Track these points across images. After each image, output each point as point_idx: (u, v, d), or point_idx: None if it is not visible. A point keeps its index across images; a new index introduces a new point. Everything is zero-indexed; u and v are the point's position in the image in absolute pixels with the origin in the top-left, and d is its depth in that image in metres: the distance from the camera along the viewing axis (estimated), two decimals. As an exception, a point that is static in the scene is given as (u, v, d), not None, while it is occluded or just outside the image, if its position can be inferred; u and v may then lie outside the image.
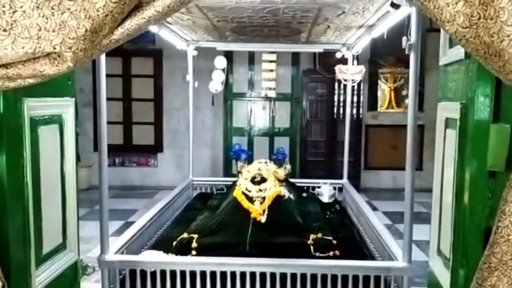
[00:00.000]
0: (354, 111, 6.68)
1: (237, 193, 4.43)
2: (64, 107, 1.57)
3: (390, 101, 9.06)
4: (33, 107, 1.37)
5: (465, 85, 1.35)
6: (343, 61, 6.38)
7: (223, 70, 6.60)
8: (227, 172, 8.84)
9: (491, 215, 1.17)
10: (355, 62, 6.46)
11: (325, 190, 6.25)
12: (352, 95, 6.47)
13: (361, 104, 7.28)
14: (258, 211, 4.19)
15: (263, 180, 4.56)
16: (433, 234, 1.61)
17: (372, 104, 9.00)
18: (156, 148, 8.98)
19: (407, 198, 3.32)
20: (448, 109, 1.48)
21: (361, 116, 7.78)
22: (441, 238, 1.52)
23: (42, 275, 1.41)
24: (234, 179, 5.83)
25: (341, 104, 6.77)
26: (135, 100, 8.94)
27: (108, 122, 3.68)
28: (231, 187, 5.24)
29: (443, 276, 1.45)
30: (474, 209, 1.25)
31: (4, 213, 1.22)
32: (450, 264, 1.38)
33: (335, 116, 7.10)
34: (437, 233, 1.57)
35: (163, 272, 3.45)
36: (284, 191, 4.58)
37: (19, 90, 1.31)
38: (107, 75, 3.46)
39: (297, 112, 9.07)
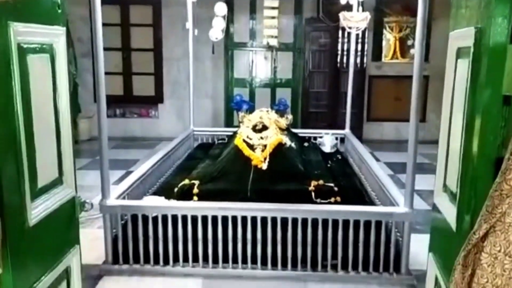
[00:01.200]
0: (358, 60, 6.52)
1: (238, 141, 4.38)
2: (55, 36, 1.48)
3: (394, 51, 8.84)
4: (21, 32, 1.29)
5: (481, 8, 1.26)
6: (348, 8, 6.17)
7: (223, 17, 6.38)
8: (229, 123, 8.75)
9: (503, 145, 1.11)
10: (360, 9, 6.26)
11: (327, 140, 6.20)
12: (356, 44, 6.29)
13: (365, 54, 7.10)
14: (259, 159, 4.15)
15: (265, 128, 4.50)
16: (439, 170, 1.57)
17: (377, 54, 8.79)
18: (157, 99, 8.86)
19: (410, 143, 3.29)
20: (461, 37, 1.40)
21: (365, 66, 7.62)
22: (448, 173, 1.48)
23: (38, 208, 1.38)
24: (235, 129, 5.78)
25: (345, 53, 6.60)
26: (134, 50, 8.73)
27: (107, 73, 3.60)
28: (232, 136, 5.19)
29: (449, 211, 1.41)
30: (486, 139, 1.19)
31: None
32: (457, 197, 1.34)
33: (338, 65, 6.93)
34: (444, 168, 1.52)
35: (164, 217, 3.46)
36: (286, 139, 4.53)
37: (3, 13, 1.23)
38: (105, 24, 3.34)
39: (300, 62, 8.88)
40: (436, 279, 1.53)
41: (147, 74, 8.85)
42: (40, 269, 1.43)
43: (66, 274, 1.61)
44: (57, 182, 1.52)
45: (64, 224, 1.59)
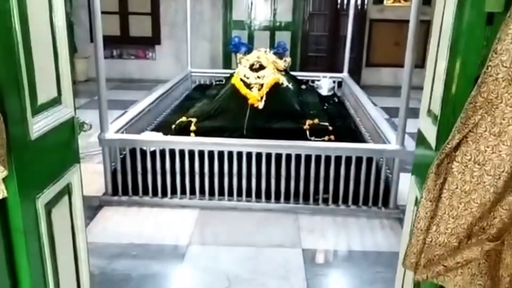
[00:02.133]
0: (359, 2, 6.41)
1: (235, 80, 4.41)
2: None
3: (398, -5, 8.67)
4: None
5: None
6: None
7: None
8: (226, 66, 8.69)
9: (483, 64, 1.16)
10: None
11: (325, 84, 6.22)
12: (357, -16, 6.17)
13: (366, -5, 6.96)
14: (256, 97, 4.20)
15: (262, 67, 4.51)
16: (425, 95, 1.62)
17: (379, -3, 8.62)
18: (154, 40, 8.73)
19: (404, 83, 3.33)
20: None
21: (365, 8, 7.49)
22: (432, 98, 1.54)
23: (39, 124, 1.44)
24: (233, 71, 5.78)
25: (346, -6, 6.49)
26: (131, -12, 8.56)
27: (103, 12, 3.55)
28: (230, 77, 5.20)
29: (430, 131, 1.49)
30: (468, 59, 1.23)
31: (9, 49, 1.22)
32: (438, 118, 1.41)
33: (338, 7, 6.81)
34: (429, 94, 1.58)
35: (162, 152, 3.56)
36: (283, 79, 4.56)
37: None
38: (100, -41, 3.27)
39: (300, 4, 8.70)
40: (416, 199, 1.62)
41: (144, 14, 8.69)
42: (42, 182, 1.51)
43: (68, 190, 1.70)
44: (57, 101, 1.58)
45: (64, 142, 1.67)
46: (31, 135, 1.39)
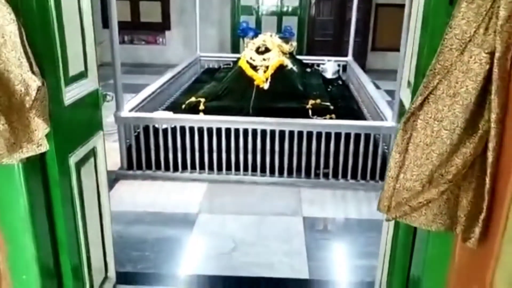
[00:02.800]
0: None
1: (241, 62, 4.64)
2: None
3: (403, -21, 8.78)
4: None
5: None
6: None
7: None
8: (234, 50, 8.89)
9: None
10: None
11: (329, 67, 6.41)
12: (362, -31, 6.31)
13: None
14: (262, 79, 4.43)
15: (267, 50, 4.73)
16: (405, 69, 1.84)
17: (384, -18, 8.73)
18: (164, 25, 8.97)
19: (400, 64, 3.53)
20: None
21: (370, -8, 7.62)
22: (410, 72, 1.75)
23: (70, 93, 1.68)
24: (240, 55, 5.98)
25: (351, -21, 6.63)
26: (142, -24, 8.77)
27: (115, -2, 3.78)
28: (237, 61, 5.41)
29: (408, 100, 1.71)
30: (434, 33, 1.45)
31: (34, 32, 1.46)
32: (412, 86, 1.63)
33: (343, -9, 6.97)
34: (409, 68, 1.80)
35: (173, 129, 3.81)
36: (287, 62, 4.77)
37: None
38: None
39: (307, -10, 8.87)
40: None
41: (154, 0, 8.89)
42: (73, 143, 1.76)
43: (94, 153, 1.95)
44: (84, 74, 1.82)
45: (90, 111, 1.91)
46: (64, 103, 1.64)
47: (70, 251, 1.76)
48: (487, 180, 1.27)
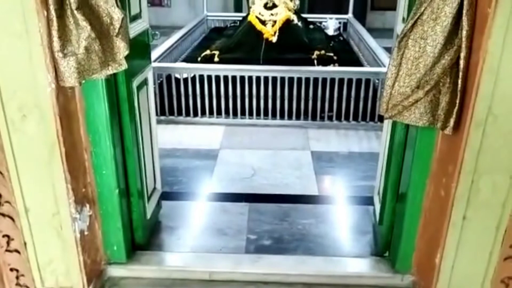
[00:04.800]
0: None
1: (251, 17, 5.02)
2: None
3: None
4: None
5: None
6: None
7: None
8: (238, 10, 9.20)
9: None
10: None
11: (331, 24, 6.78)
12: None
13: None
14: (270, 32, 4.83)
15: (274, 6, 5.10)
16: (400, 8, 2.26)
17: None
18: (169, -13, 9.29)
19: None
20: None
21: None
22: (405, 8, 2.18)
23: (132, 29, 2.09)
24: (244, 14, 6.33)
25: None
26: None
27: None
28: (243, 20, 5.78)
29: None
30: None
31: None
32: (405, 18, 2.06)
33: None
34: (403, 7, 2.22)
35: (193, 79, 4.24)
36: (293, 17, 5.16)
37: None
38: None
39: (308, -50, 9.10)
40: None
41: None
42: (135, 70, 2.19)
43: (146, 82, 2.39)
44: (139, 15, 2.24)
45: (144, 46, 2.34)
46: (129, 35, 2.07)
47: (133, 156, 2.22)
48: (459, 81, 1.73)
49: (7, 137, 1.83)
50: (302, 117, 4.28)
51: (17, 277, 2.15)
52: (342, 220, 2.88)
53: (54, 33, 1.64)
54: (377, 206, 2.59)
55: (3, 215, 2.01)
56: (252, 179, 3.30)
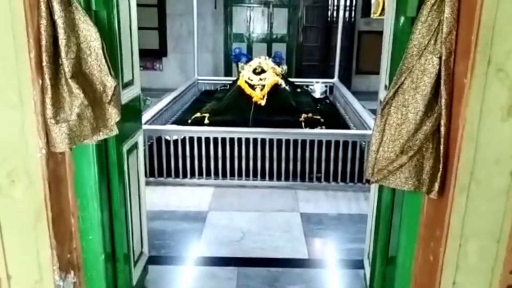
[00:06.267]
0: (347, 15, 7.22)
1: (241, 81, 5.18)
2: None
3: (383, 8, 9.51)
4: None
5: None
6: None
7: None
8: (227, 74, 9.48)
9: (411, 49, 1.89)
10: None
11: (317, 88, 7.00)
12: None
13: (353, 9, 7.76)
14: (259, 96, 4.97)
15: (263, 71, 5.29)
16: (382, 78, 2.36)
17: (366, 11, 9.44)
18: (161, 52, 9.54)
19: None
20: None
21: (353, 20, 8.29)
22: (386, 76, 2.27)
23: (124, 96, 2.16)
24: (235, 78, 6.55)
25: (335, 8, 7.30)
26: (139, 5, 9.32)
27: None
28: (233, 84, 5.96)
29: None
30: (401, 47, 1.98)
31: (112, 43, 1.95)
32: (387, 88, 2.15)
33: (329, 19, 7.62)
34: (384, 76, 2.31)
35: (182, 140, 4.29)
36: (281, 81, 5.33)
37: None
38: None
39: (294, 18, 9.53)
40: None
41: (151, 29, 9.48)
42: (126, 135, 2.23)
43: (136, 146, 2.42)
44: (131, 82, 2.31)
45: (135, 112, 2.39)
46: (122, 101, 2.12)
47: (121, 220, 2.21)
48: (441, 147, 1.78)
49: (-6, 202, 1.82)
50: (291, 178, 4.31)
51: None
52: (333, 286, 2.83)
53: (48, 101, 1.68)
54: (367, 270, 2.57)
55: (-16, 282, 1.95)
56: (241, 243, 3.26)
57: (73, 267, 2.07)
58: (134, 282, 2.44)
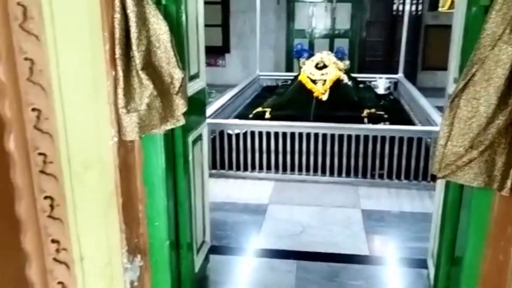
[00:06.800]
0: (414, 8, 6.97)
1: (302, 76, 5.16)
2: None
3: (452, 1, 9.08)
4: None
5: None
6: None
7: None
8: (289, 70, 9.48)
9: (483, 39, 1.80)
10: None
11: (381, 83, 6.82)
12: (412, -8, 6.74)
13: (419, 2, 7.48)
14: (320, 91, 4.93)
15: (325, 66, 5.23)
16: (451, 70, 2.27)
17: (433, 4, 9.07)
18: (224, 49, 9.72)
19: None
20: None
21: (419, 13, 7.99)
22: (455, 69, 2.18)
23: (190, 88, 2.24)
24: (296, 74, 6.53)
25: (401, 1, 7.07)
26: (204, 3, 9.54)
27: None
28: (295, 79, 5.95)
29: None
30: (473, 37, 1.88)
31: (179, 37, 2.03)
32: (457, 79, 2.06)
33: (394, 13, 7.40)
34: (453, 68, 2.22)
35: (244, 135, 4.35)
36: (343, 76, 5.25)
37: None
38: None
39: (358, 13, 9.35)
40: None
41: (215, 26, 9.66)
42: (191, 126, 2.30)
43: (200, 137, 2.50)
44: (197, 75, 2.38)
45: (200, 104, 2.47)
46: (188, 93, 2.19)
47: (185, 209, 2.29)
48: (516, 142, 1.69)
49: (70, 188, 1.94)
50: (352, 174, 4.25)
51: (69, 326, 2.20)
52: (394, 284, 2.76)
53: (120, 91, 1.77)
54: (431, 269, 2.48)
55: (59, 262, 2.09)
56: (301, 236, 3.27)
57: (140, 251, 2.17)
58: (197, 269, 2.53)
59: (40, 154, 1.83)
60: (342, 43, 9.35)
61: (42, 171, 1.85)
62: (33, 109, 1.75)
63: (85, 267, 2.08)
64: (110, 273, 2.08)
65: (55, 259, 2.02)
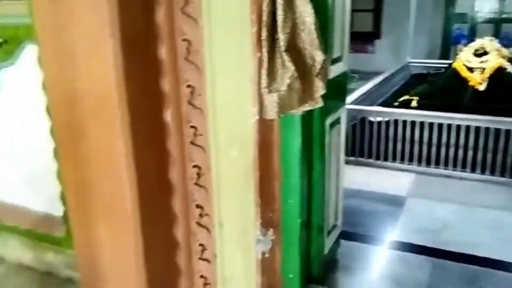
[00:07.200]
0: None
1: (457, 64, 4.77)
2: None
3: None
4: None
5: None
6: None
7: None
8: (443, 58, 8.79)
9: None
10: None
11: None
12: None
13: None
14: (477, 80, 4.50)
15: (485, 53, 4.75)
16: None
17: None
18: (375, 35, 9.41)
19: None
20: None
21: None
22: None
23: (332, 72, 2.25)
24: (451, 61, 6.04)
25: None
26: (356, -12, 9.36)
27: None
28: (449, 67, 5.51)
29: None
30: None
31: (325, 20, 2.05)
32: None
33: None
34: None
35: (387, 123, 4.21)
36: (507, 65, 4.71)
37: None
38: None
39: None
40: None
41: (366, 11, 9.40)
42: (329, 109, 2.33)
43: (338, 121, 2.51)
44: (340, 59, 2.39)
45: (341, 87, 2.48)
46: (329, 76, 2.21)
47: (318, 190, 2.33)
48: None
49: (215, 159, 2.13)
50: (508, 173, 3.83)
51: (204, 284, 2.43)
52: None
53: (263, 72, 1.86)
54: None
55: (202, 226, 2.31)
56: (440, 233, 3.08)
57: (273, 225, 2.28)
58: (326, 251, 2.56)
59: (191, 127, 2.03)
60: (511, 28, 8.37)
61: (192, 142, 2.05)
62: (188, 86, 1.95)
63: (223, 234, 2.27)
64: (244, 243, 2.23)
65: (198, 223, 2.24)
